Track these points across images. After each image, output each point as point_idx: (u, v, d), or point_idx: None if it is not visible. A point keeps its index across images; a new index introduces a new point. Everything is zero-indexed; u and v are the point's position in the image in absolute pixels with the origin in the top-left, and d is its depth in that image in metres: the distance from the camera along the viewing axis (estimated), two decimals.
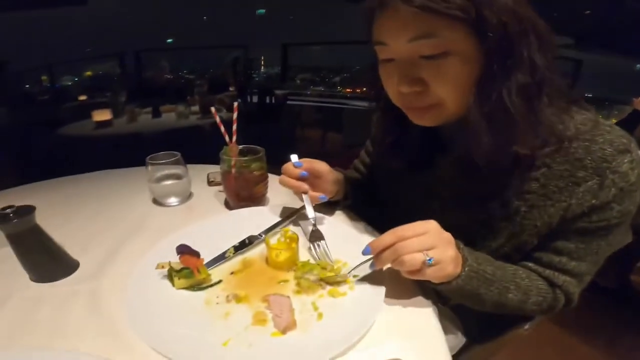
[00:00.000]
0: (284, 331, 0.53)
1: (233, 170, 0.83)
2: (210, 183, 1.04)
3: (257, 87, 4.58)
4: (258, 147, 0.87)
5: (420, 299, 0.60)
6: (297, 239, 0.67)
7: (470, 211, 0.65)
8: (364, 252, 0.57)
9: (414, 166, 0.74)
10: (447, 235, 0.56)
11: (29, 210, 0.59)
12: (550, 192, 0.58)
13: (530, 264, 0.64)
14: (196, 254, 0.60)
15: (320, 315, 0.56)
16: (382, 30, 0.56)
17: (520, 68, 0.52)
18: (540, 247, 0.63)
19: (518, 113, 0.52)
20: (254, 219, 0.80)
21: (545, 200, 0.58)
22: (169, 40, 6.23)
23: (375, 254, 0.56)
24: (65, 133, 2.42)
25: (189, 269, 0.59)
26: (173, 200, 0.93)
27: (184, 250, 0.59)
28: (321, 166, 0.78)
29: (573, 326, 1.59)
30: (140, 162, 0.93)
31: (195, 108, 2.70)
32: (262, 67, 5.68)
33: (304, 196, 0.75)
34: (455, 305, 0.76)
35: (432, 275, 0.53)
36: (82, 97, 3.65)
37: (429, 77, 0.55)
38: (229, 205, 0.91)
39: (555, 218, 0.59)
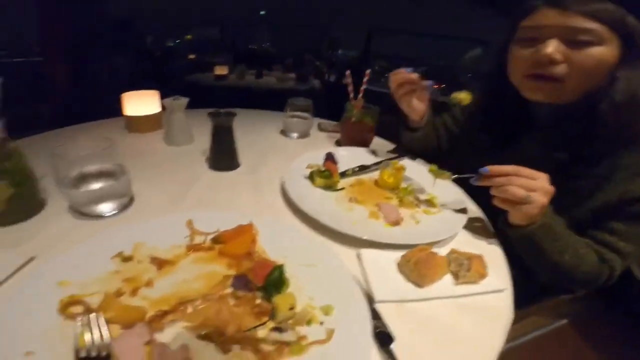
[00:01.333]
0: (393, 224, 0.74)
1: (353, 119, 1.07)
2: (321, 129, 1.29)
3: (337, 67, 4.79)
4: (373, 105, 1.10)
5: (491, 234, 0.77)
6: (404, 169, 0.88)
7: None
8: (482, 171, 0.67)
9: (502, 141, 0.87)
10: (550, 188, 0.64)
11: (232, 114, 0.88)
12: (617, 176, 0.68)
13: (588, 240, 0.72)
14: (335, 163, 0.84)
15: (417, 222, 0.77)
16: (542, 16, 0.70)
17: None
18: (597, 226, 0.72)
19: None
20: (362, 155, 1.04)
21: (610, 183, 0.69)
22: (262, 13, 6.70)
23: (490, 175, 0.67)
24: (190, 80, 3.00)
25: (329, 172, 0.83)
26: (296, 135, 1.20)
27: (329, 157, 0.83)
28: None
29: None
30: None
31: (292, 75, 3.11)
32: (343, 50, 5.82)
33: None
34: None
35: (520, 210, 0.64)
36: (192, 56, 4.21)
37: (572, 56, 0.67)
38: (339, 145, 1.15)
39: (614, 200, 0.69)
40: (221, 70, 3.04)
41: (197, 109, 1.31)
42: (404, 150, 1.10)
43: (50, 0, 2.63)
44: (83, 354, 0.41)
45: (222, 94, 2.82)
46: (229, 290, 0.53)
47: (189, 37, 7.11)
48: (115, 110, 1.15)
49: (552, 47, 0.67)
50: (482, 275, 0.60)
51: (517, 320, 0.87)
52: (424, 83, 0.92)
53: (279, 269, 0.53)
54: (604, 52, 0.66)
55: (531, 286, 0.78)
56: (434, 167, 0.83)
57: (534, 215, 0.64)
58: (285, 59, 3.78)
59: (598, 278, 0.72)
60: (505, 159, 0.81)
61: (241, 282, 0.52)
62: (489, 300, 0.58)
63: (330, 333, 0.47)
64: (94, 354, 0.42)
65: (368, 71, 1.10)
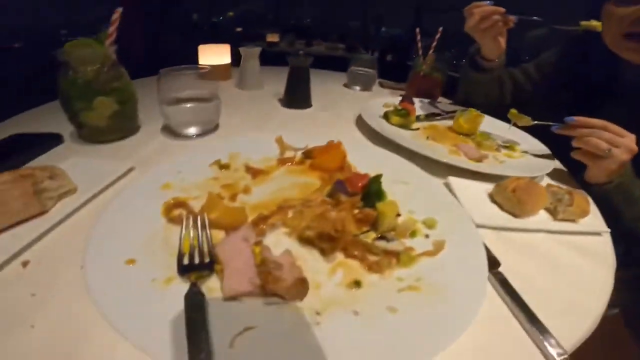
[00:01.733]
0: (476, 160, 0.72)
1: (422, 72, 1.09)
2: (383, 86, 1.28)
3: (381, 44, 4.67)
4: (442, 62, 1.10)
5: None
6: (483, 117, 0.85)
7: None
8: (568, 120, 0.67)
9: (584, 104, 0.79)
10: (634, 148, 0.62)
11: (309, 55, 0.90)
12: None
13: None
14: (412, 104, 0.83)
15: (501, 162, 0.74)
16: None
17: None
18: None
19: None
20: (430, 108, 1.01)
21: None
22: None
23: (575, 125, 0.66)
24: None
25: (405, 111, 0.82)
26: (358, 87, 1.20)
27: (406, 99, 0.82)
28: None
29: None
30: None
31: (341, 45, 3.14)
32: (387, 28, 5.63)
33: None
34: None
35: (599, 165, 0.63)
36: (238, 29, 4.28)
37: None
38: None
39: None
40: (272, 38, 3.14)
41: None
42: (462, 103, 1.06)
43: None
44: (186, 261, 0.39)
45: (274, 59, 2.86)
46: (327, 198, 0.52)
47: (231, 13, 7.15)
48: None
49: None
50: (585, 212, 0.56)
51: None
52: (510, 16, 0.88)
53: (379, 178, 0.53)
54: None
55: None
56: (514, 110, 0.81)
57: (612, 171, 0.62)
58: (329, 35, 3.76)
59: None
60: None
61: (343, 186, 0.52)
62: (589, 241, 0.53)
63: (439, 245, 0.45)
64: (197, 260, 0.39)
65: (440, 28, 1.09)
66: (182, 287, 0.36)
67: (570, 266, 0.48)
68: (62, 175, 0.51)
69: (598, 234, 0.55)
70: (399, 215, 0.48)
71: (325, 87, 1.22)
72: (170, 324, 0.32)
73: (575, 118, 0.66)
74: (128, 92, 0.68)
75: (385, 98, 1.04)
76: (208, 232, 0.44)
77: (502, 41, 0.94)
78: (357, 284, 0.39)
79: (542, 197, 0.57)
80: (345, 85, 1.24)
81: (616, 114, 0.72)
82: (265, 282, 0.35)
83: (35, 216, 0.46)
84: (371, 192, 0.51)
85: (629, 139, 0.62)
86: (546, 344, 0.34)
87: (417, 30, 1.12)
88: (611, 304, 0.75)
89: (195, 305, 0.33)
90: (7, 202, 0.43)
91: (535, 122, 0.77)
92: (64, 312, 0.34)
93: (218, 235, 0.44)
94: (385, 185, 0.54)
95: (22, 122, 0.77)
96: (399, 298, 0.37)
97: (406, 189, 0.57)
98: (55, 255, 0.41)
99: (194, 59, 1.16)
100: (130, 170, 0.59)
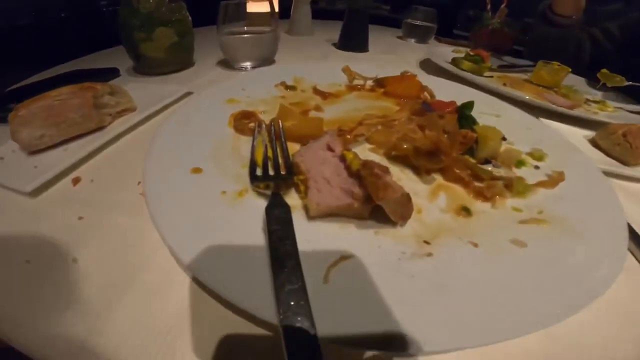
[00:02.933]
0: (569, 107, 0.62)
1: (491, 26, 0.99)
2: (440, 41, 1.17)
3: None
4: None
5: None
6: (568, 70, 0.75)
7: None
8: None
9: None
10: None
11: None
12: None
13: None
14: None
15: (595, 114, 0.63)
16: None
17: None
18: None
19: None
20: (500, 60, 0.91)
21: None
22: None
23: None
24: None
25: (479, 57, 0.73)
26: (414, 40, 1.10)
27: (480, 45, 0.73)
28: None
29: None
30: None
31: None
32: None
33: None
34: None
35: None
36: None
37: None
38: None
39: None
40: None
41: None
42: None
43: None
44: (259, 172, 0.33)
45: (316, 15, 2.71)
46: (414, 117, 0.44)
47: None
48: None
49: None
50: None
51: None
52: None
53: (471, 103, 0.45)
54: None
55: None
56: (605, 69, 0.73)
57: None
58: None
59: None
60: None
61: (430, 108, 0.45)
62: None
63: (558, 176, 0.37)
64: (273, 172, 0.33)
65: None
66: (258, 201, 0.30)
67: None
68: (123, 93, 0.46)
69: None
70: (504, 139, 0.41)
71: (378, 38, 1.12)
72: (246, 249, 0.25)
73: None
74: (187, 25, 0.66)
75: (444, 51, 0.95)
76: (284, 141, 0.37)
77: None
78: (466, 211, 0.32)
79: None
80: (400, 37, 1.13)
81: None
82: (373, 188, 0.28)
83: (92, 132, 0.41)
84: (464, 115, 0.43)
85: None
86: None
87: None
88: None
89: (281, 219, 0.26)
90: (64, 113, 0.38)
91: (630, 82, 0.68)
92: (116, 237, 0.28)
93: (293, 148, 0.38)
94: (476, 117, 0.46)
95: (81, 64, 0.73)
96: (523, 231, 0.30)
97: (499, 122, 0.49)
98: (110, 173, 0.36)
99: None
100: (189, 94, 0.55)
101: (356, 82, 0.57)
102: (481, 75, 0.75)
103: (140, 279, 0.25)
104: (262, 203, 0.29)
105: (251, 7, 0.67)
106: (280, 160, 0.35)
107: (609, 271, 0.26)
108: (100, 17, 1.49)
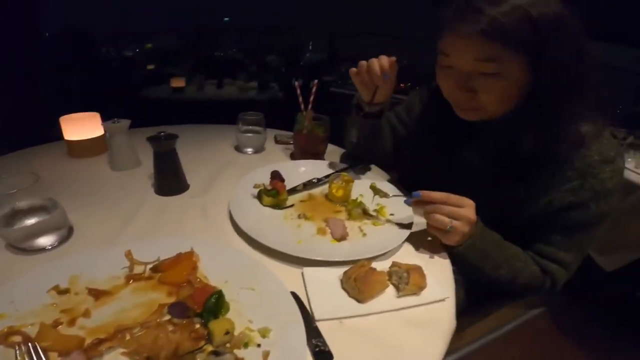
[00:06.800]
0: (340, 239, 0.76)
1: (305, 130, 1.08)
2: (277, 142, 1.29)
3: (304, 72, 4.78)
4: (323, 115, 1.11)
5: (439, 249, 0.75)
6: (352, 181, 0.90)
7: (483, 192, 0.72)
8: (414, 195, 0.71)
9: (444, 147, 0.86)
10: (473, 217, 0.67)
11: (174, 136, 0.86)
12: (543, 184, 0.70)
13: (530, 252, 0.75)
14: (282, 180, 0.85)
15: (364, 235, 0.79)
16: (449, 44, 0.66)
17: (570, 100, 0.62)
18: (535, 237, 0.75)
19: (559, 129, 0.64)
20: (315, 167, 1.04)
21: (539, 190, 0.70)
22: (226, 19, 6.58)
23: (419, 200, 0.71)
24: (146, 94, 2.88)
25: (275, 191, 0.84)
26: (250, 150, 1.20)
27: (275, 176, 0.84)
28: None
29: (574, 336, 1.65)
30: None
31: (253, 84, 3.03)
32: (310, 53, 5.83)
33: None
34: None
35: (446, 237, 0.68)
36: (150, 66, 4.07)
37: (480, 88, 0.65)
38: (294, 157, 1.16)
39: (540, 209, 0.70)
40: (178, 83, 2.88)
41: (150, 126, 1.27)
42: (353, 159, 1.12)
43: None
44: None
45: (179, 107, 2.72)
46: (167, 317, 0.53)
47: (149, 45, 6.83)
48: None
49: (458, 94, 0.69)
50: (421, 287, 0.62)
51: (491, 313, 0.93)
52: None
53: (216, 295, 0.54)
54: (513, 79, 0.63)
55: None
56: (375, 183, 0.86)
57: (456, 241, 0.68)
58: (249, 66, 3.75)
59: (540, 287, 0.75)
60: (451, 165, 0.85)
61: (177, 309, 0.53)
62: (431, 310, 0.60)
63: (265, 355, 0.48)
64: None
65: (316, 81, 1.10)
66: None
67: (406, 346, 0.53)
68: None
69: (441, 300, 0.61)
70: (227, 333, 0.50)
71: (216, 150, 1.20)
72: None
73: (421, 193, 0.70)
74: None
75: (277, 159, 1.05)
76: (41, 357, 0.44)
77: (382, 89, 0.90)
78: None
79: (379, 284, 0.62)
80: (237, 149, 1.22)
81: (471, 157, 0.80)
82: None
83: None
84: (207, 309, 0.53)
85: (468, 209, 0.67)
86: None
87: (296, 83, 1.11)
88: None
89: None
90: None
91: (393, 195, 0.84)
92: None
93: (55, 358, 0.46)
94: (232, 293, 0.57)
95: None
96: None
97: (250, 296, 0.58)
98: None
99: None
100: None
101: (136, 269, 0.62)
102: (282, 207, 0.86)
103: None
104: None
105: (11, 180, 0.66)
106: None
107: None
108: None
